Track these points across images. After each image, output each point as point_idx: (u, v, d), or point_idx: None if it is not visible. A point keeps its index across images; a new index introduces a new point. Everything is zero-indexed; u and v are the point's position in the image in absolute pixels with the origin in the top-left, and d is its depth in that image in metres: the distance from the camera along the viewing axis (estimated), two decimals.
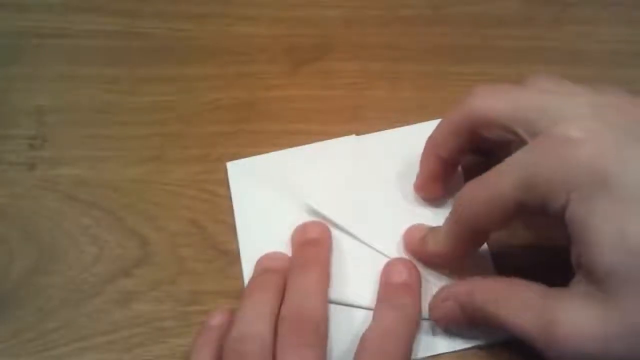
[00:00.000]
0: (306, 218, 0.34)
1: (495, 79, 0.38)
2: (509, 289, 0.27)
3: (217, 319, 0.30)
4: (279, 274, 0.31)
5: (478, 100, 0.29)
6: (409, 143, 0.35)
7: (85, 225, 0.34)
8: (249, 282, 0.32)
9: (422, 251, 0.31)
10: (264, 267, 0.32)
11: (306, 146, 0.36)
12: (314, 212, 0.34)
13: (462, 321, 0.29)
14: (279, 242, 0.33)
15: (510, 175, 0.26)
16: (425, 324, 0.31)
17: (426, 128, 0.34)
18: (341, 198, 0.34)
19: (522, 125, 0.27)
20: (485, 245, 0.32)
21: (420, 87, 0.38)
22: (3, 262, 0.33)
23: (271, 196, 0.35)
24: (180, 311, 0.32)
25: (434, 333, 0.30)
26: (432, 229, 0.31)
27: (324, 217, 0.33)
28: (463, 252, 0.30)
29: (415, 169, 0.33)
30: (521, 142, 0.28)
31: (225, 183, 0.35)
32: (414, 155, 0.33)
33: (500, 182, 0.27)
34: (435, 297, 0.30)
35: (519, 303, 0.27)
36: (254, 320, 0.28)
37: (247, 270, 0.33)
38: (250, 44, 0.40)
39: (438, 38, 0.40)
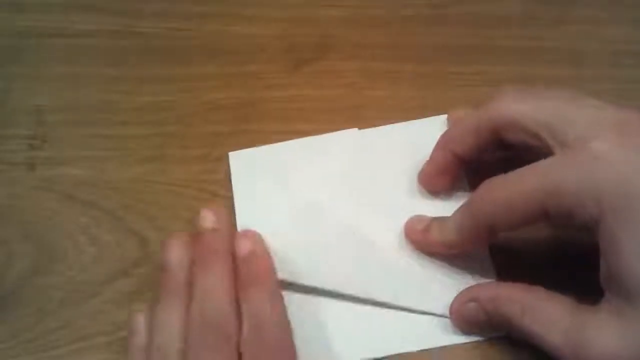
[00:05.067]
0: (306, 209, 0.34)
1: (495, 79, 0.38)
2: (536, 300, 0.27)
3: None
4: (182, 271, 0.30)
5: (505, 102, 0.29)
6: (411, 138, 0.35)
7: (84, 225, 0.34)
8: (160, 282, 0.30)
9: (424, 238, 0.32)
10: (165, 261, 0.31)
11: (309, 138, 0.36)
12: (314, 203, 0.34)
13: (484, 325, 0.29)
14: (278, 232, 0.33)
15: (537, 181, 0.27)
16: (422, 317, 0.31)
17: (428, 123, 0.34)
18: (342, 190, 0.34)
19: (548, 133, 0.28)
20: None
21: (420, 87, 0.38)
22: (3, 263, 0.33)
23: (272, 186, 0.35)
24: None
25: (431, 326, 0.31)
26: (437, 219, 0.31)
27: (323, 209, 0.34)
28: (471, 245, 0.30)
29: (417, 163, 0.34)
30: (543, 149, 0.28)
31: (225, 183, 0.35)
32: (416, 150, 0.34)
33: (525, 185, 0.27)
34: (458, 298, 0.30)
35: (546, 317, 0.27)
36: (165, 330, 0.28)
37: None
38: (250, 44, 0.40)
39: (438, 38, 0.40)
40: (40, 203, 0.35)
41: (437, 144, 0.32)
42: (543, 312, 0.27)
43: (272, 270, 0.31)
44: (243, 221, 0.34)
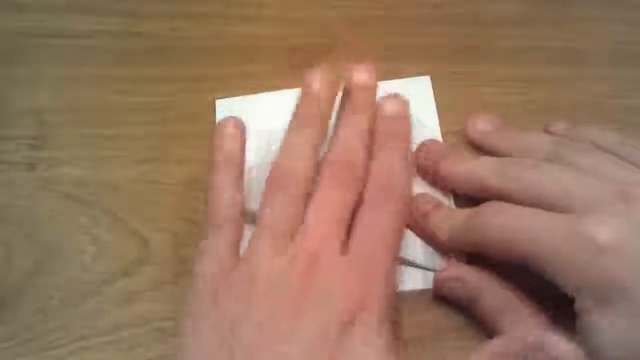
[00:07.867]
0: None
1: (495, 79, 0.38)
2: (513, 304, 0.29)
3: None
4: (325, 100, 0.31)
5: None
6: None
7: (85, 225, 0.34)
8: (296, 109, 0.32)
9: (422, 219, 0.32)
10: (308, 87, 0.32)
11: (295, 89, 0.37)
12: None
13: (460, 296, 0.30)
14: (258, 180, 0.33)
15: (534, 243, 0.27)
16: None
17: (410, 83, 0.36)
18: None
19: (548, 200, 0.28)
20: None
21: None
22: (3, 262, 0.33)
23: (255, 135, 0.35)
24: (180, 311, 0.32)
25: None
26: (442, 210, 0.32)
27: None
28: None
29: None
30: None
31: None
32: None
33: (522, 242, 0.27)
34: (445, 274, 0.31)
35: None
36: (298, 155, 0.30)
37: None
38: (250, 44, 0.40)
39: (438, 38, 0.40)
40: (40, 203, 0.35)
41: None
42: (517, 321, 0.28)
43: (409, 135, 0.31)
44: None
